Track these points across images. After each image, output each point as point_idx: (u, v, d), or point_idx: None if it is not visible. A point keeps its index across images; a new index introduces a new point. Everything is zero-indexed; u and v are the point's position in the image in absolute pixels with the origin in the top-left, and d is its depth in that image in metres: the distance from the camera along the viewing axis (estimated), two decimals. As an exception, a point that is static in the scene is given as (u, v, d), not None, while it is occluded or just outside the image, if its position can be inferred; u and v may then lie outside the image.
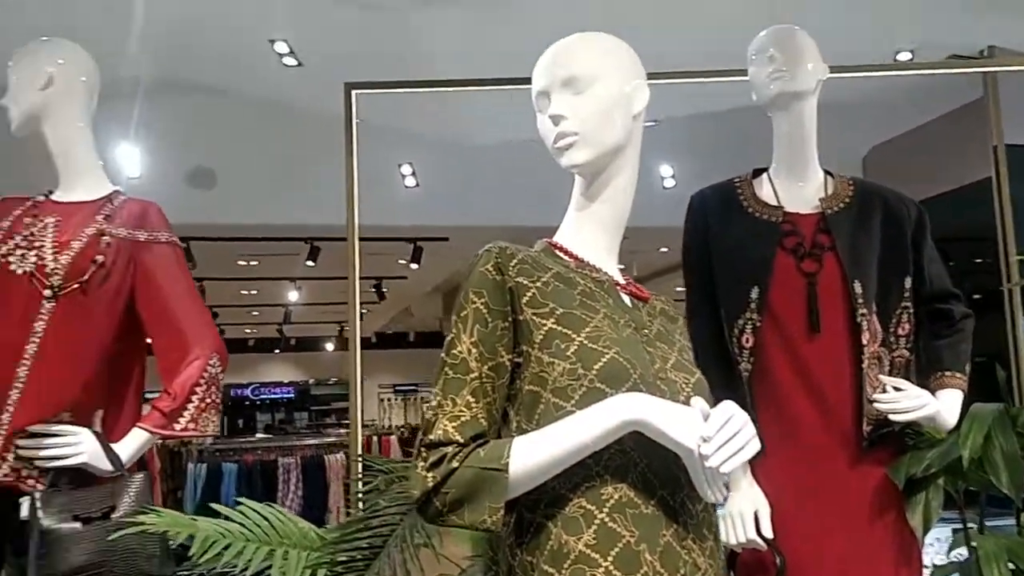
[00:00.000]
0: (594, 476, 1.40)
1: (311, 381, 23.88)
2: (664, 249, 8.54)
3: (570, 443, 1.37)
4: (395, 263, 10.43)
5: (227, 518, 2.12)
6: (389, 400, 20.80)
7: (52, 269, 2.11)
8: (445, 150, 6.65)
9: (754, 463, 1.88)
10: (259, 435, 13.13)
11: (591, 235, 1.58)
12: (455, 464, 1.37)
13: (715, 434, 1.35)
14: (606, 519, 1.39)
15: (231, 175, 6.62)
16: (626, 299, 1.57)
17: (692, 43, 3.89)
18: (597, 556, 1.37)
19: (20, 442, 2.05)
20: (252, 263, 10.93)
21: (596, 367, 1.41)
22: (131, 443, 2.16)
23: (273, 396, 23.41)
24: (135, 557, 2.02)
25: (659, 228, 3.72)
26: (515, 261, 1.48)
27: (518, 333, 1.46)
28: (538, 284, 1.47)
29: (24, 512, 2.01)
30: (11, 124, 2.27)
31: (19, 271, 2.12)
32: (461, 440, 1.39)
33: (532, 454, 1.38)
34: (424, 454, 1.40)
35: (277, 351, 21.14)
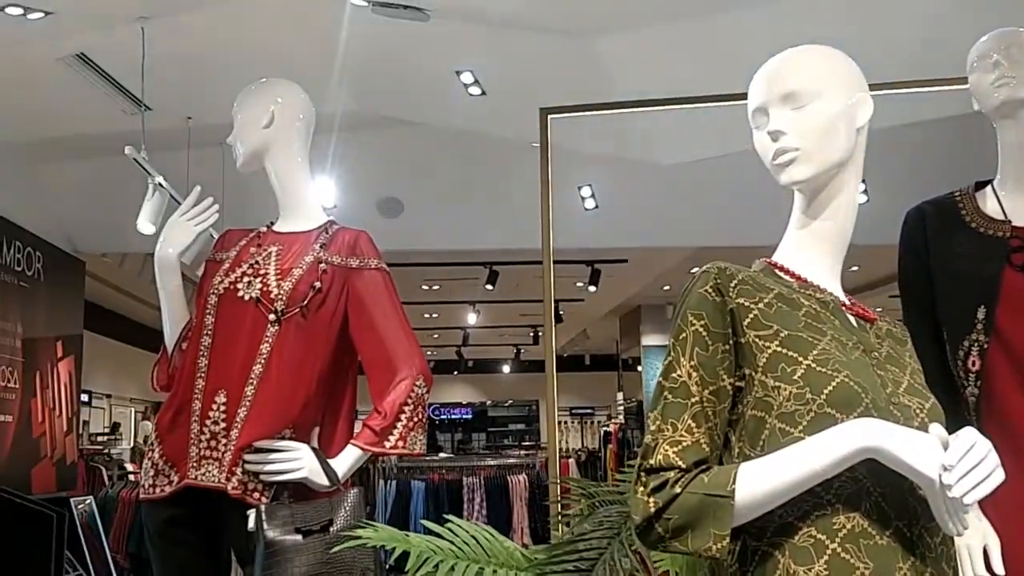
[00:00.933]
0: (825, 504, 1.36)
1: (488, 402, 24.29)
2: (854, 268, 8.22)
3: (800, 470, 1.33)
4: (572, 286, 10.49)
5: (437, 535, 2.17)
6: (566, 423, 20.86)
7: (276, 295, 2.24)
8: (624, 171, 6.63)
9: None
10: (442, 455, 13.44)
11: (814, 254, 1.54)
12: (677, 490, 1.35)
13: (957, 463, 1.28)
14: (838, 550, 1.33)
15: (416, 203, 6.84)
16: (852, 320, 1.51)
17: (896, 55, 3.74)
18: None
19: (247, 457, 2.17)
20: (434, 287, 11.24)
21: (825, 391, 1.37)
22: (346, 459, 2.25)
23: (452, 417, 23.94)
24: (351, 570, 2.10)
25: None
26: (735, 282, 1.45)
27: (740, 356, 1.43)
28: (760, 305, 1.44)
29: (251, 524, 2.12)
30: (236, 160, 2.42)
31: (246, 297, 2.25)
32: (683, 465, 1.37)
33: (759, 481, 1.34)
34: (644, 479, 1.39)
35: (456, 372, 21.60)
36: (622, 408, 16.03)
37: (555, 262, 3.08)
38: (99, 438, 10.24)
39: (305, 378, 2.24)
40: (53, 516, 1.34)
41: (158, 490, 2.24)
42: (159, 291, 2.37)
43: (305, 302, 2.24)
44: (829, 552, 1.33)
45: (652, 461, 1.38)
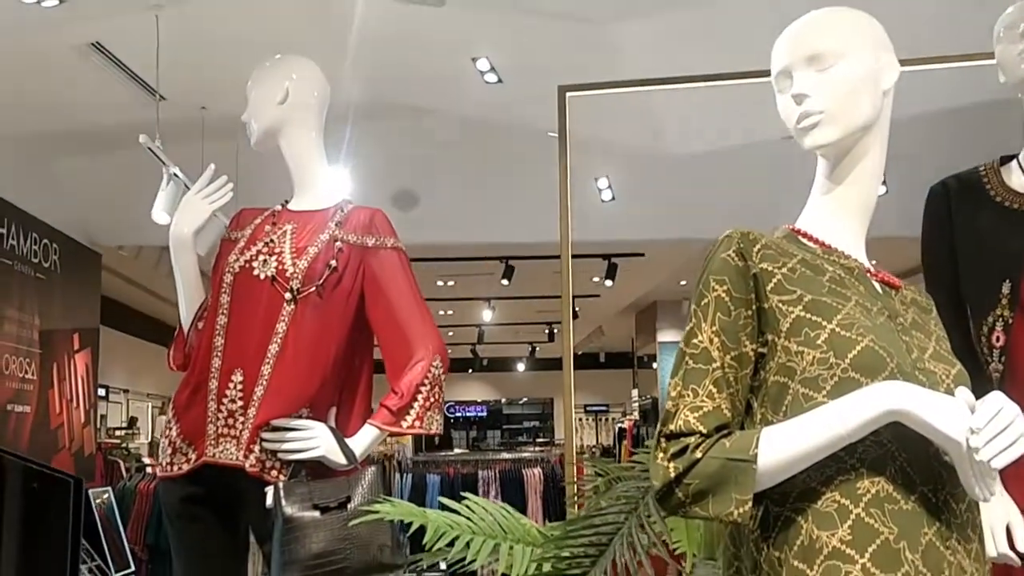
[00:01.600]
0: (848, 469, 1.34)
1: (503, 400, 24.28)
2: (873, 262, 8.14)
3: (824, 434, 1.31)
4: (588, 280, 10.46)
5: (454, 512, 2.16)
6: (580, 420, 20.84)
7: (292, 273, 2.23)
8: (642, 162, 6.59)
9: (1003, 472, 1.75)
10: (457, 450, 13.45)
11: (837, 220, 1.52)
12: (698, 455, 1.34)
13: (985, 426, 1.26)
14: (862, 514, 1.31)
15: (431, 195, 6.81)
16: (877, 286, 1.49)
17: (918, 32, 3.69)
18: (853, 552, 1.30)
19: (264, 435, 2.16)
20: (449, 283, 11.24)
21: (850, 356, 1.35)
22: (363, 439, 2.24)
23: (467, 415, 23.95)
24: (369, 546, 2.10)
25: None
26: (758, 246, 1.44)
27: (762, 322, 1.41)
28: (784, 270, 1.42)
29: (269, 501, 2.11)
30: (251, 138, 2.42)
31: (261, 276, 2.25)
32: (704, 431, 1.36)
33: (782, 445, 1.33)
34: (664, 445, 1.37)
35: (470, 371, 21.60)
36: (637, 405, 15.99)
37: (572, 256, 3.06)
38: (117, 432, 10.28)
39: (321, 357, 2.24)
40: (71, 482, 1.34)
41: (176, 468, 2.23)
42: (174, 270, 2.36)
43: (321, 281, 2.23)
44: (853, 517, 1.31)
45: (672, 427, 1.37)
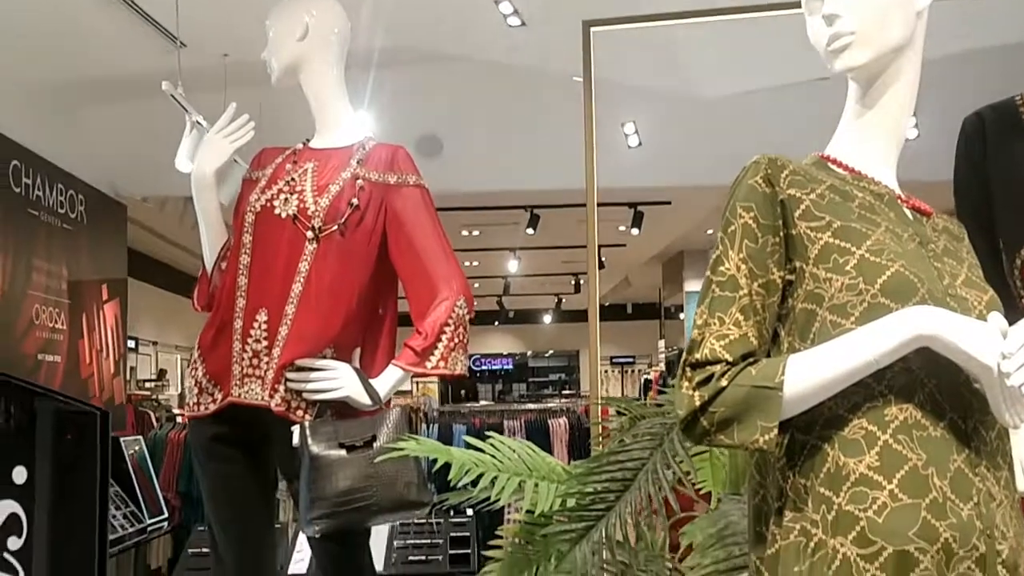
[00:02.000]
0: (876, 396, 1.32)
1: (529, 353, 24.35)
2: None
3: (852, 360, 1.29)
4: (615, 230, 10.40)
5: (480, 450, 2.16)
6: (606, 372, 20.87)
7: (313, 212, 2.21)
8: (668, 106, 6.49)
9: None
10: (483, 402, 13.53)
11: (867, 146, 1.48)
12: (724, 383, 1.32)
13: (1017, 350, 1.24)
14: (890, 441, 1.30)
15: (455, 142, 6.76)
16: (908, 213, 1.46)
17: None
18: (880, 479, 1.28)
19: (289, 375, 2.17)
20: (474, 233, 11.21)
21: (879, 281, 1.32)
22: (388, 379, 2.25)
23: (492, 368, 24.05)
24: (395, 484, 2.11)
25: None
26: (786, 172, 1.41)
27: (790, 248, 1.39)
28: (812, 196, 1.39)
29: (295, 440, 2.13)
30: (271, 76, 2.39)
31: (283, 214, 2.24)
32: (730, 359, 1.34)
33: (809, 372, 1.31)
34: (690, 374, 1.36)
35: (496, 323, 21.65)
36: (663, 357, 15.98)
37: (598, 205, 3.02)
38: (146, 384, 10.42)
39: (344, 297, 2.23)
40: (97, 414, 1.34)
41: (203, 408, 2.25)
42: (196, 211, 2.36)
43: (343, 219, 2.22)
44: (880, 443, 1.30)
45: (698, 355, 1.35)
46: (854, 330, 1.31)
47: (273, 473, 2.34)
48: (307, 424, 2.13)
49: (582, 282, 15.28)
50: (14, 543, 1.39)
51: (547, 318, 22.31)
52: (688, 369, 1.36)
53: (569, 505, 2.02)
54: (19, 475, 1.40)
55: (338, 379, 2.18)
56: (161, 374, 12.23)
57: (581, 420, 8.07)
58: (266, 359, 2.18)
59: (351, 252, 2.24)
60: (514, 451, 2.19)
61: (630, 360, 21.23)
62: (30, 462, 1.39)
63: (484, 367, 23.75)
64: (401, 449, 2.05)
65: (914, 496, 1.27)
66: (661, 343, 16.60)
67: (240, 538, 2.29)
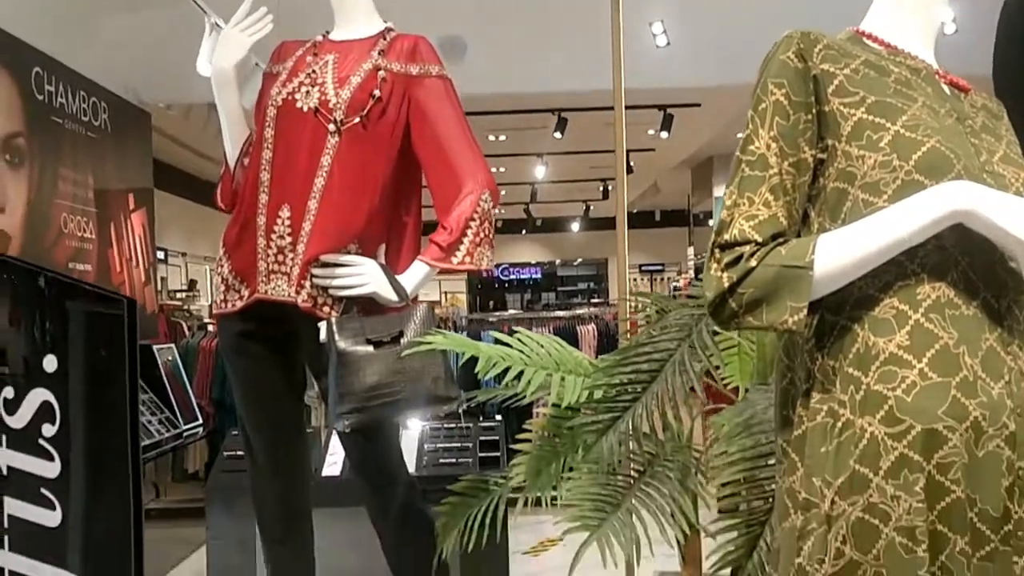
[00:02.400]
0: (908, 275, 1.29)
1: (557, 262, 24.34)
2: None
3: (885, 237, 1.26)
4: (644, 134, 10.25)
5: (507, 346, 2.16)
6: (635, 280, 20.85)
7: (335, 104, 2.18)
8: (700, 2, 6.32)
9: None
10: (511, 311, 13.61)
11: (904, 20, 1.42)
12: (753, 263, 1.30)
13: None
14: (922, 320, 1.28)
15: (479, 43, 6.63)
16: (946, 88, 1.41)
17: None
18: (910, 358, 1.27)
19: (315, 271, 2.17)
20: (500, 138, 11.09)
21: (914, 157, 1.28)
22: (414, 275, 2.24)
23: (521, 277, 24.09)
24: (422, 379, 2.11)
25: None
26: (819, 47, 1.36)
27: (822, 126, 1.35)
28: (846, 71, 1.35)
29: (322, 335, 2.13)
30: None
31: (304, 108, 2.20)
32: (759, 239, 1.32)
33: (840, 251, 1.28)
34: (718, 255, 1.34)
35: (524, 232, 21.61)
36: (692, 264, 15.92)
37: (626, 107, 2.95)
38: (177, 295, 10.53)
39: (368, 191, 2.21)
40: (124, 301, 1.34)
41: (230, 305, 2.26)
42: (218, 108, 2.33)
43: (365, 111, 2.18)
44: (912, 322, 1.28)
45: (727, 236, 1.33)
46: (887, 208, 1.28)
47: (302, 371, 2.36)
48: (334, 320, 2.14)
49: (610, 188, 15.15)
50: (48, 430, 1.42)
51: (575, 226, 22.23)
52: (717, 250, 1.34)
53: (596, 397, 2.03)
54: (50, 364, 1.41)
55: (364, 275, 2.17)
56: (191, 284, 12.36)
57: (609, 327, 8.08)
58: (291, 255, 2.18)
59: (374, 145, 2.21)
60: (541, 346, 2.20)
61: (659, 268, 21.19)
62: (60, 351, 1.41)
63: (512, 276, 23.79)
64: (428, 343, 2.05)
65: (944, 375, 1.26)
66: (690, 250, 16.52)
67: (272, 435, 2.32)
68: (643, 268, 20.98)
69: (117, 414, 1.41)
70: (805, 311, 1.29)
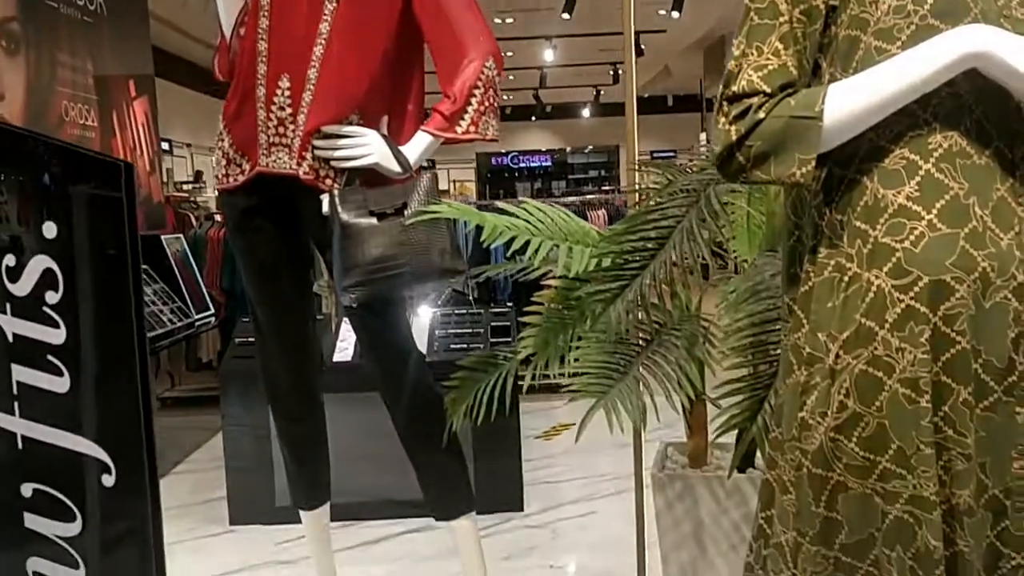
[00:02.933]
0: (920, 124, 1.26)
1: (568, 149, 24.08)
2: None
3: (897, 83, 1.23)
4: (654, 14, 10.02)
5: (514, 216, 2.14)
6: (646, 168, 20.62)
7: None
8: None
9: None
10: (520, 197, 13.55)
11: None
12: (761, 115, 1.27)
13: None
14: (932, 169, 1.25)
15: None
16: (963, -72, 1.34)
17: None
18: (919, 209, 1.24)
19: (316, 142, 2.13)
20: (508, 20, 10.85)
21: (930, 1, 1.23)
22: (417, 146, 2.20)
23: (531, 165, 23.85)
24: (428, 250, 2.10)
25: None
26: None
27: None
28: None
29: (325, 208, 2.11)
30: None
31: None
32: (768, 90, 1.28)
33: (851, 99, 1.25)
34: (726, 108, 1.31)
35: (533, 118, 21.34)
36: (705, 150, 15.72)
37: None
38: (184, 186, 10.50)
39: (368, 59, 2.15)
40: (121, 165, 1.32)
41: (231, 179, 2.23)
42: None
43: None
44: (922, 173, 1.25)
45: (735, 88, 1.30)
46: (900, 54, 1.24)
47: (307, 246, 2.34)
48: (336, 192, 2.11)
49: (620, 72, 14.88)
50: (52, 297, 1.41)
51: (585, 112, 21.94)
52: (725, 103, 1.31)
53: (604, 265, 2.01)
54: (49, 230, 1.40)
55: (366, 145, 2.14)
56: (198, 175, 12.30)
57: (620, 212, 8.05)
58: (292, 126, 2.14)
59: (373, 12, 2.14)
60: (549, 216, 2.17)
61: (671, 155, 20.95)
62: (59, 217, 1.39)
63: (522, 164, 23.54)
64: (433, 212, 2.03)
65: (953, 226, 1.24)
66: (703, 136, 16.32)
67: (278, 309, 2.32)
68: (654, 155, 20.73)
69: (120, 281, 1.40)
70: (814, 163, 1.26)
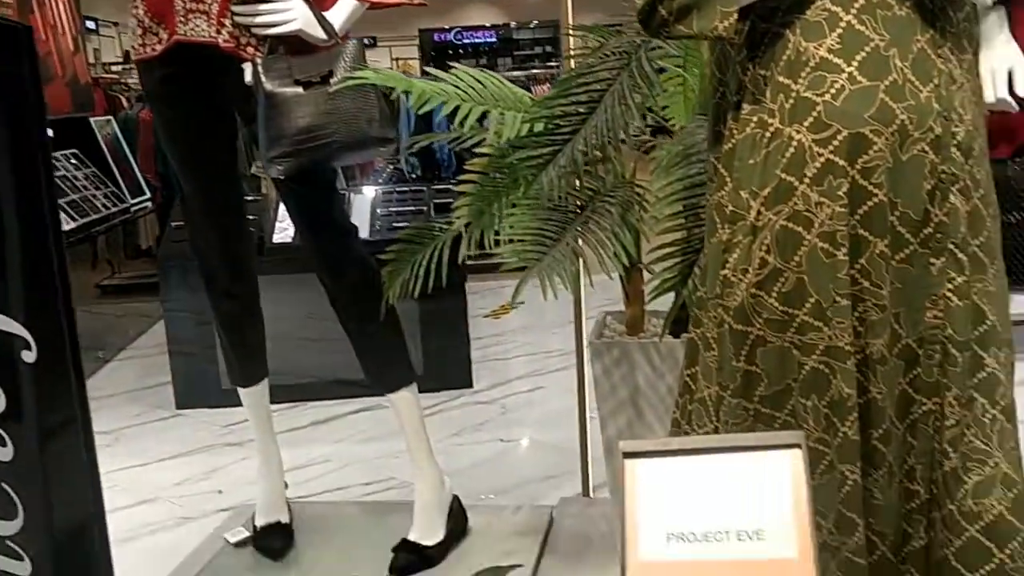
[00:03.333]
0: (844, -22, 1.24)
1: (513, 25, 23.48)
2: None
3: None
4: None
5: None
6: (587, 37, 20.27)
7: None
8: None
9: (1013, 17, 1.64)
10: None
11: None
12: (683, -33, 1.24)
13: None
14: (853, 21, 1.24)
15: None
16: None
17: None
18: (840, 62, 1.24)
19: (235, 8, 2.04)
20: None
21: None
22: (341, 11, 2.12)
23: (475, 41, 23.22)
24: (356, 120, 2.04)
25: None
26: None
27: None
28: None
29: (248, 77, 2.05)
30: None
31: None
32: (691, -56, 1.25)
33: None
34: (649, -36, 1.27)
35: (476, -7, 20.73)
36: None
37: None
38: (112, 68, 10.12)
39: None
40: (20, 28, 1.24)
41: (148, 49, 2.14)
42: None
43: None
44: (843, 24, 1.24)
45: (656, -59, 1.26)
46: None
47: (231, 117, 2.27)
48: (259, 61, 2.04)
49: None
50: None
51: (528, -15, 21.35)
52: (647, -41, 1.28)
53: (536, 129, 1.99)
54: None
55: (289, 11, 2.06)
56: (127, 56, 11.83)
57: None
58: (209, -8, 2.05)
59: None
60: (480, 82, 2.13)
61: (617, 27, 20.60)
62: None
63: (466, 41, 22.92)
64: (359, 79, 1.98)
65: (873, 78, 1.23)
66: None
67: (204, 179, 2.26)
68: (606, 26, 20.34)
69: (30, 166, 1.33)
70: (735, 16, 1.24)
